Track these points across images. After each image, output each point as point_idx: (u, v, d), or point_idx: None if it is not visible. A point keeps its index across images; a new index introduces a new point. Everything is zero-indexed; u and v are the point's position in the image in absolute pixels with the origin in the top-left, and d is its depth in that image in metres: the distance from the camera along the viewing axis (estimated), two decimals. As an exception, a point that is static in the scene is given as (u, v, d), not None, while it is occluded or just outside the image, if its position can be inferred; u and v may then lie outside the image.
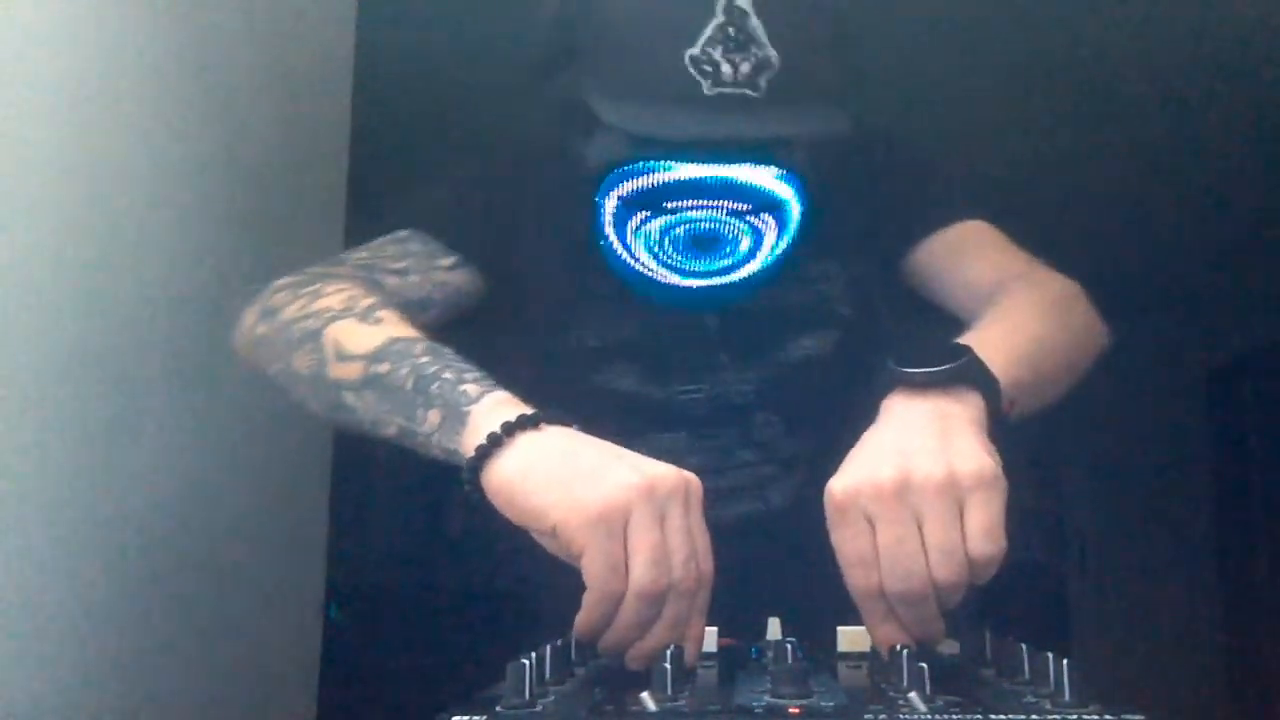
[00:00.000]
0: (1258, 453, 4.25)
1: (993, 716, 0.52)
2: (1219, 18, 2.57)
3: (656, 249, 0.94)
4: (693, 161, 0.88)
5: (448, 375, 0.80)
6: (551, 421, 0.75)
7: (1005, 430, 0.77)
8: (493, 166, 1.13)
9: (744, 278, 0.96)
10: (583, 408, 1.10)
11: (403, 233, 1.05)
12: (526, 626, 0.73)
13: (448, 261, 1.04)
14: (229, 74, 1.30)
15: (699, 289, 0.96)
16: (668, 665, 0.57)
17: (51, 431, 0.98)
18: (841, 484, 0.70)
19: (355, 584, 3.33)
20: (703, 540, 0.70)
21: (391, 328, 0.88)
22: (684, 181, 0.90)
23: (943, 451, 0.69)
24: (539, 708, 0.56)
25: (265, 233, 1.37)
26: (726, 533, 0.73)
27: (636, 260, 0.95)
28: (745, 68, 0.85)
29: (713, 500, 0.97)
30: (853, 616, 0.75)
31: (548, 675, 0.61)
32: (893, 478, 0.68)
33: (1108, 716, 0.53)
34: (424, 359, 0.82)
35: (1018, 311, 0.92)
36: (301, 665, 1.52)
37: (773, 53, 0.86)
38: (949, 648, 0.72)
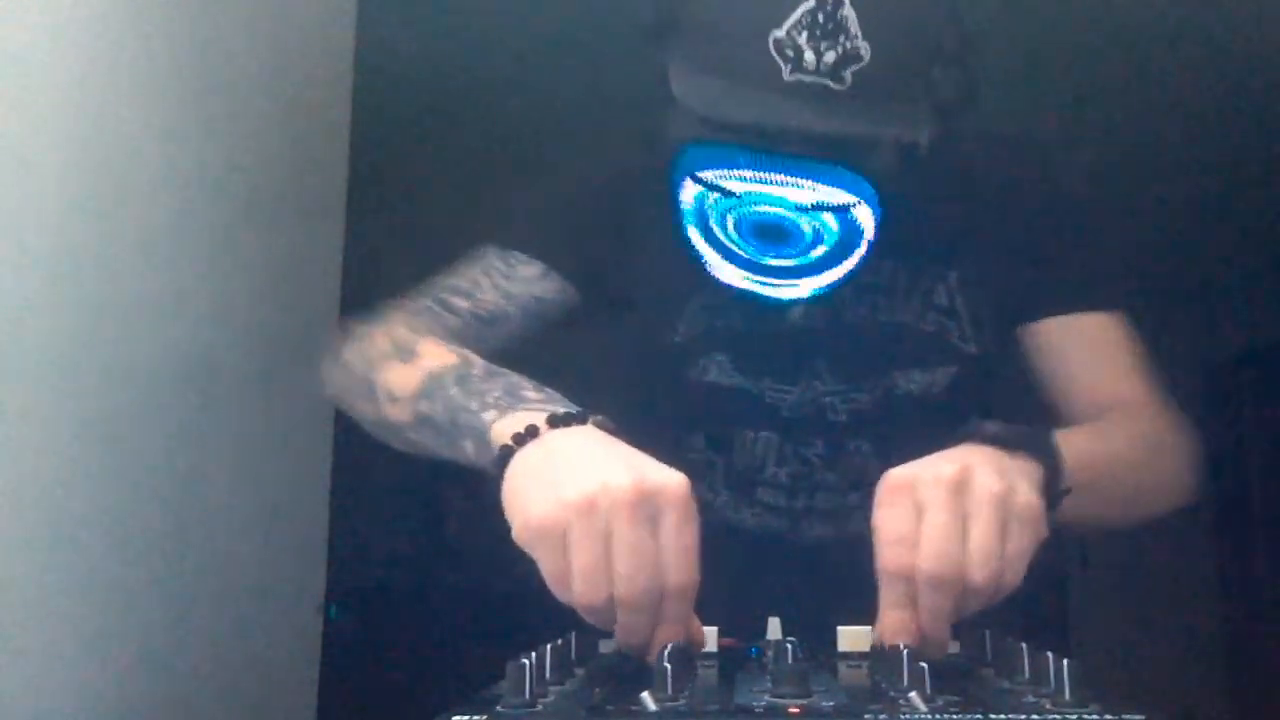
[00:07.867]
0: (1258, 452, 4.25)
1: (993, 716, 0.52)
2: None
3: (725, 238, 0.90)
4: (758, 148, 0.84)
5: (473, 405, 0.80)
6: (570, 422, 0.73)
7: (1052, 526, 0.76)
8: (568, 171, 1.12)
9: (813, 284, 0.91)
10: (679, 402, 1.07)
11: (483, 250, 1.05)
12: (526, 626, 0.72)
13: (530, 271, 1.03)
14: (229, 74, 1.30)
15: (765, 293, 0.92)
16: (668, 665, 0.57)
17: (51, 431, 0.98)
18: (900, 471, 0.71)
19: (355, 584, 3.33)
20: (676, 551, 0.65)
21: (430, 361, 0.88)
22: (750, 166, 0.85)
23: (1002, 475, 0.70)
24: (539, 708, 0.56)
25: (265, 233, 1.37)
26: (804, 554, 0.71)
27: (710, 247, 0.91)
28: (829, 57, 0.80)
29: (792, 517, 0.95)
30: (853, 617, 0.75)
31: (548, 675, 0.61)
32: (954, 473, 0.69)
33: (1108, 717, 0.53)
34: (454, 390, 0.83)
35: (1109, 435, 0.92)
36: (301, 665, 1.52)
37: (863, 45, 0.80)
38: (950, 647, 0.72)
